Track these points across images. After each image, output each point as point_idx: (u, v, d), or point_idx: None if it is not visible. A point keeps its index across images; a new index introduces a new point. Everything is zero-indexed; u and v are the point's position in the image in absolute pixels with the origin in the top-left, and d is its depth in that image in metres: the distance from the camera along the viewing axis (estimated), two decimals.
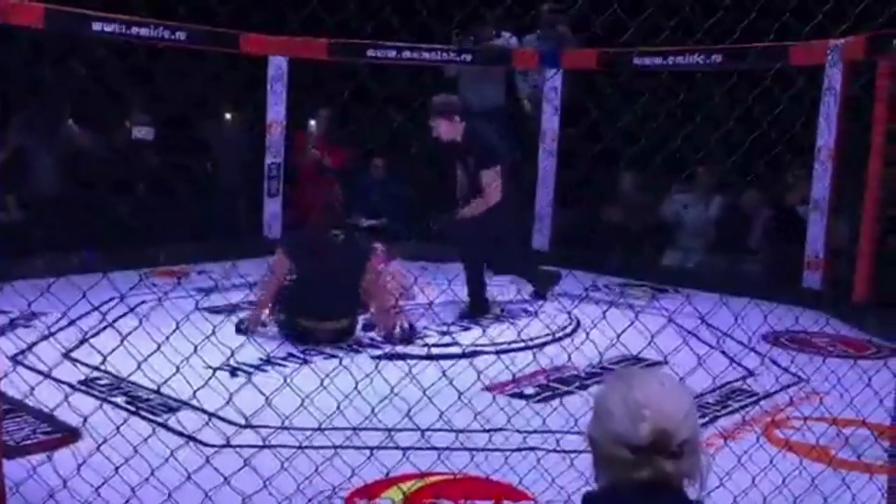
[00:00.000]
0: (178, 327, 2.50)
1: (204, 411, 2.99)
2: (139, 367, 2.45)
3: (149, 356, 2.47)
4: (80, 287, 2.48)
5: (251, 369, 3.70)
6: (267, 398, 2.57)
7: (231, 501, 2.37)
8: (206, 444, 2.79)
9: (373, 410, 2.73)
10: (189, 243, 6.24)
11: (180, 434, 2.93)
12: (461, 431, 2.84)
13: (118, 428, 2.51)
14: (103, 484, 2.31)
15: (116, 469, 2.33)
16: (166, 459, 2.48)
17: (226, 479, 2.37)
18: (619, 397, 1.29)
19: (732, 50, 5.69)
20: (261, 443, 2.76)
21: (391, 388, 2.74)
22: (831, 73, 5.41)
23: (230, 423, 2.91)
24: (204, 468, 2.44)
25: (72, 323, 3.72)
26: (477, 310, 5.01)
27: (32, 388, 2.51)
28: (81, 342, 3.70)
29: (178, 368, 2.54)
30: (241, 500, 2.36)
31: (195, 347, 2.53)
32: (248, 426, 2.88)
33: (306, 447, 2.72)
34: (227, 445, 2.76)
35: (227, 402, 2.61)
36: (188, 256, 6.02)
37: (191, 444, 2.82)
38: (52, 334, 3.38)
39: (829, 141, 5.47)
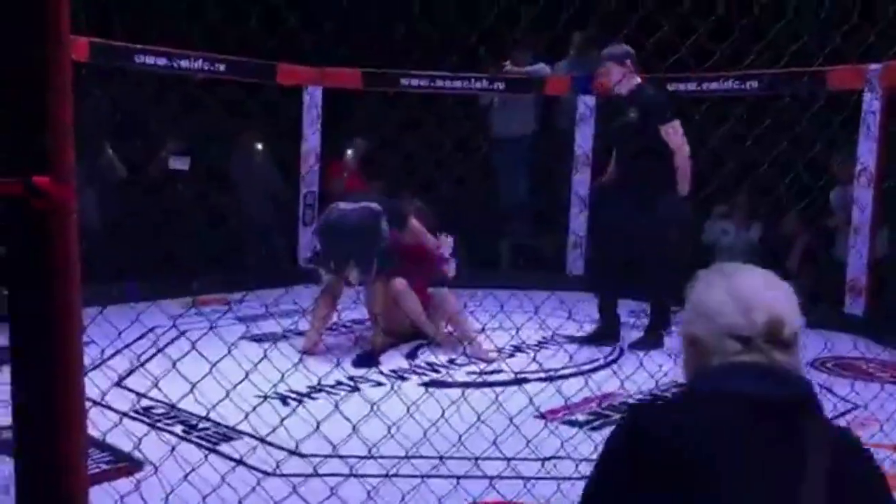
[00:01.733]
0: (229, 352, 2.51)
1: (257, 438, 2.98)
2: (192, 390, 2.46)
3: (198, 381, 2.48)
4: (124, 316, 2.50)
5: (300, 397, 3.71)
6: (318, 424, 2.56)
7: None
8: (257, 470, 2.78)
9: (424, 435, 2.71)
10: (224, 273, 6.27)
11: (233, 460, 2.92)
12: (512, 459, 2.81)
13: (173, 453, 2.50)
14: None
15: (168, 495, 2.33)
16: (216, 487, 2.47)
17: None
18: (722, 291, 1.25)
19: (769, 76, 5.68)
20: (310, 470, 2.74)
21: (441, 413, 2.72)
22: (870, 97, 5.37)
23: (281, 449, 2.90)
24: (255, 494, 2.43)
25: (118, 352, 3.74)
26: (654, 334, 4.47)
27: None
28: (132, 371, 3.72)
29: (227, 394, 2.55)
30: None
31: (246, 374, 2.54)
32: (297, 453, 2.88)
33: (355, 475, 2.70)
34: (276, 473, 2.75)
35: (274, 430, 2.61)
36: (224, 286, 6.05)
37: (243, 469, 2.81)
38: (103, 362, 3.40)
39: (870, 165, 5.42)
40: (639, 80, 4.47)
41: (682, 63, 3.63)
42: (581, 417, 3.57)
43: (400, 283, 4.48)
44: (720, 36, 3.51)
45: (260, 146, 7.68)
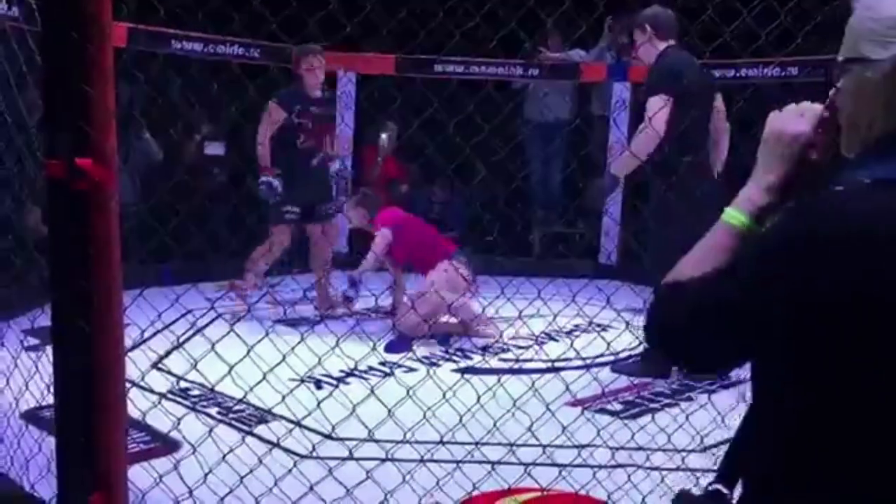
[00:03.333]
0: (266, 335, 2.52)
1: (291, 421, 2.99)
2: (229, 373, 2.47)
3: (236, 364, 2.49)
4: (162, 298, 2.50)
5: (335, 381, 3.72)
6: (354, 408, 2.57)
7: None
8: (293, 453, 2.79)
9: (460, 420, 2.70)
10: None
11: (269, 443, 2.93)
12: (548, 446, 2.79)
13: (210, 434, 2.52)
14: (191, 491, 2.32)
15: (205, 476, 2.35)
16: (252, 470, 2.49)
17: (311, 486, 2.37)
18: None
19: (809, 62, 5.56)
20: (346, 453, 2.74)
21: (476, 399, 2.71)
22: None
23: (316, 432, 2.92)
24: (291, 476, 2.44)
25: (156, 334, 3.78)
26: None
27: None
28: (169, 353, 3.75)
29: (264, 376, 2.55)
30: None
31: (283, 357, 2.54)
32: (332, 437, 2.89)
33: (390, 459, 2.70)
34: (312, 456, 2.76)
35: (310, 413, 2.61)
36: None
37: (279, 451, 2.82)
38: (142, 342, 3.43)
39: None
40: (662, 46, 3.98)
41: (726, 48, 3.55)
42: (618, 406, 3.55)
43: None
44: (765, 20, 3.43)
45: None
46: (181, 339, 3.37)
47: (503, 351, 4.31)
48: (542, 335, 4.48)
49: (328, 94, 5.43)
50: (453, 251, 4.74)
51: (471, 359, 4.26)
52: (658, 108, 3.66)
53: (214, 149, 6.83)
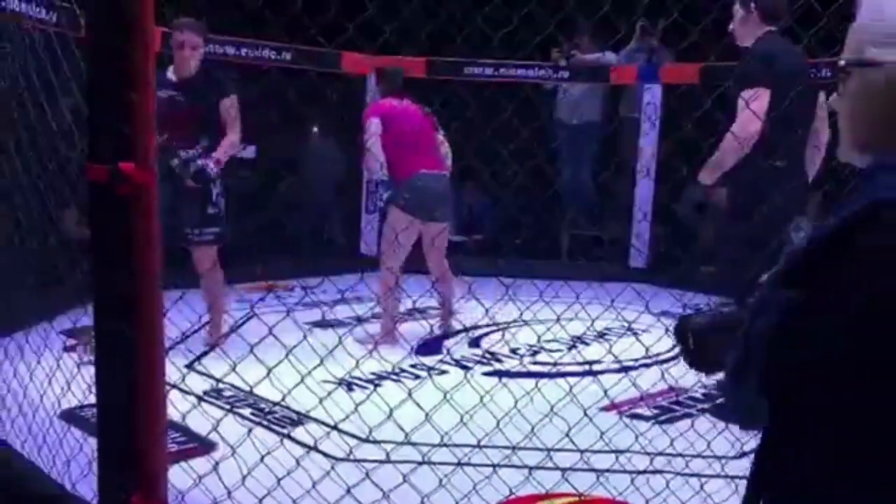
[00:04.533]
0: (305, 338, 2.52)
1: (327, 425, 3.00)
2: (267, 375, 2.47)
3: (275, 366, 2.49)
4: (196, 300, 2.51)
5: (368, 384, 3.72)
6: (391, 411, 2.56)
7: None
8: (330, 456, 2.80)
9: (497, 425, 2.68)
10: (286, 259, 6.32)
11: (306, 445, 2.94)
12: (585, 451, 2.76)
13: (249, 435, 2.53)
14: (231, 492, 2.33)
15: (244, 477, 2.35)
16: (290, 471, 2.49)
17: (349, 489, 2.37)
18: None
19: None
20: (382, 456, 2.74)
21: (514, 403, 2.69)
22: None
23: (353, 436, 2.92)
24: (328, 479, 2.44)
25: (192, 334, 3.81)
26: None
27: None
28: (203, 354, 3.77)
29: (302, 379, 2.56)
30: None
31: (321, 360, 2.54)
32: (369, 440, 2.88)
33: (427, 463, 2.69)
34: (349, 459, 2.75)
35: (348, 416, 2.61)
36: (286, 273, 6.11)
37: (315, 454, 2.83)
38: (180, 342, 3.46)
39: None
40: (763, 31, 3.46)
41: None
42: (655, 410, 3.51)
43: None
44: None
45: (315, 129, 7.70)
46: (219, 339, 3.38)
47: (537, 353, 4.29)
48: (575, 339, 4.45)
49: (207, 78, 4.14)
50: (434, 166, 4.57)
51: (501, 361, 4.25)
52: (759, 104, 3.18)
53: (246, 152, 6.89)
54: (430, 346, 4.36)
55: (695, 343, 1.15)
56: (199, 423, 2.69)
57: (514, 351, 4.41)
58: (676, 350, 1.14)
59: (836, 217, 0.85)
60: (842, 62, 0.96)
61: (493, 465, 2.65)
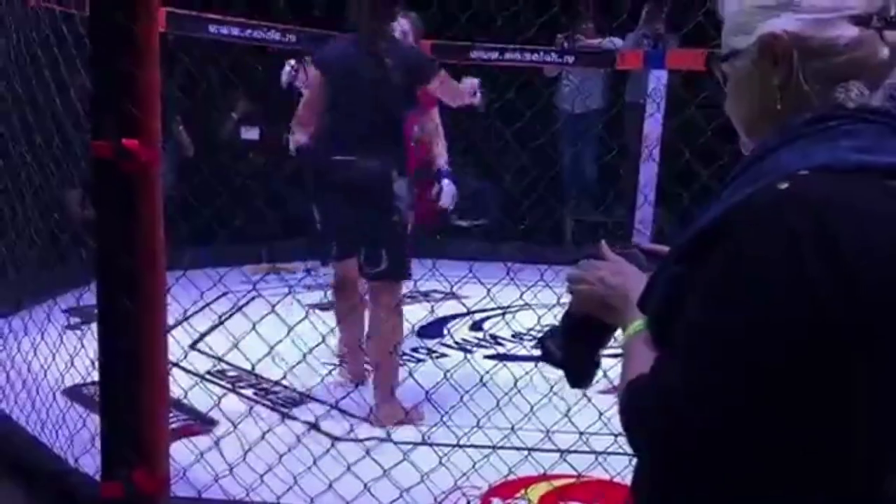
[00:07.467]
0: (306, 316, 2.54)
1: (328, 404, 3.02)
2: (268, 354, 2.49)
3: (275, 345, 2.52)
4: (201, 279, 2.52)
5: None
6: (391, 390, 2.58)
7: (353, 491, 2.38)
8: (330, 435, 2.82)
9: (497, 404, 2.70)
10: (289, 242, 6.32)
11: (307, 423, 2.96)
12: (584, 433, 2.78)
13: (250, 413, 2.55)
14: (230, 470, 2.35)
15: (245, 453, 2.38)
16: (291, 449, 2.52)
17: (348, 466, 2.39)
18: None
19: None
20: (383, 436, 2.76)
21: (514, 383, 2.71)
22: None
23: (353, 416, 2.94)
24: (328, 457, 2.47)
25: (195, 313, 3.82)
26: None
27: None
28: (205, 333, 3.80)
29: (304, 357, 2.58)
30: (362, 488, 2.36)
31: (322, 338, 2.56)
32: (369, 419, 2.91)
33: (426, 443, 2.71)
34: (349, 438, 2.78)
35: (348, 394, 2.63)
36: (289, 255, 6.12)
37: (316, 433, 2.85)
38: (178, 323, 3.47)
39: None
40: None
41: None
42: None
43: None
44: None
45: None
46: (222, 318, 3.41)
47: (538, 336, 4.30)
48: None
49: None
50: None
51: (503, 345, 4.26)
52: None
53: (250, 133, 6.90)
54: (431, 328, 4.37)
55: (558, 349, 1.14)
56: (201, 400, 2.72)
57: (517, 335, 4.42)
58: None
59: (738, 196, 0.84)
60: (719, 61, 0.97)
61: (493, 446, 2.67)
